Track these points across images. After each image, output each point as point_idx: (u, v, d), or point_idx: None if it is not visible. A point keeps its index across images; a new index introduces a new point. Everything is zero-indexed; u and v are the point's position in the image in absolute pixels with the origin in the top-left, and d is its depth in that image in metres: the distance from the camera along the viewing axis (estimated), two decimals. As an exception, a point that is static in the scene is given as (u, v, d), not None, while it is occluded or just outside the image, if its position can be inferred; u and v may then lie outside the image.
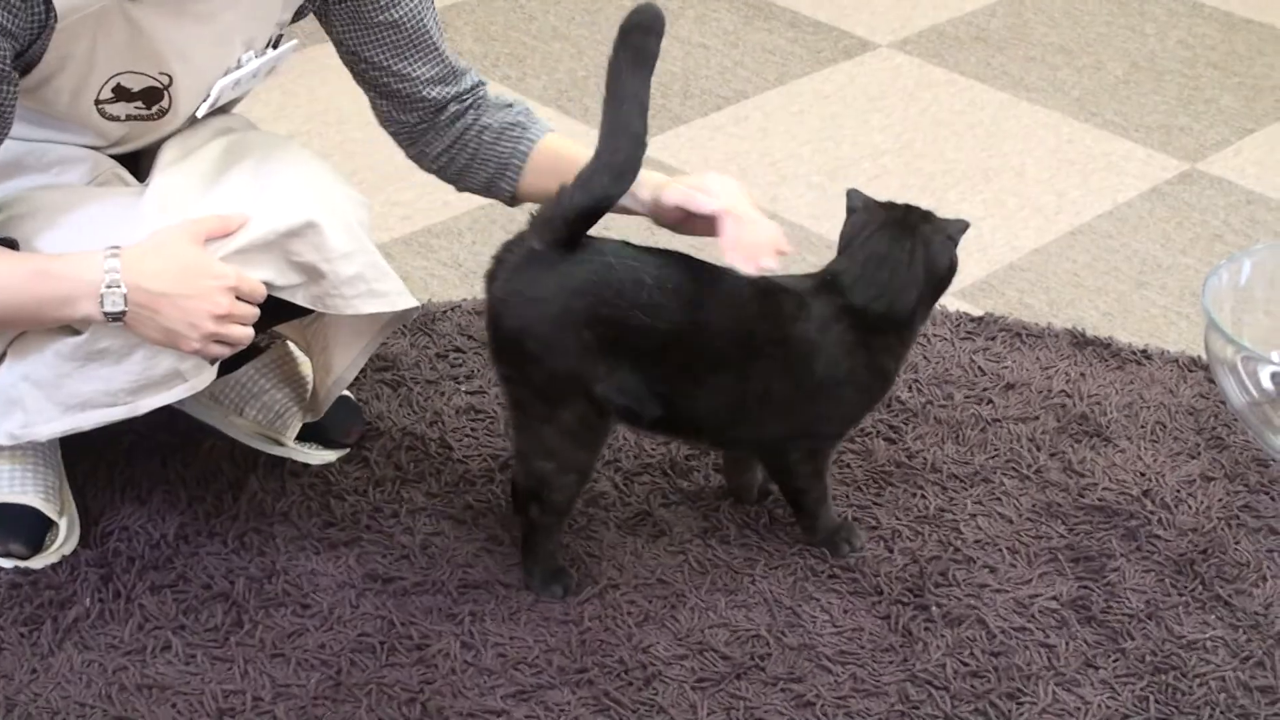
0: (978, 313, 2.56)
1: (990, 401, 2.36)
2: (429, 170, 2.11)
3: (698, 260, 1.92)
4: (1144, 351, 2.49)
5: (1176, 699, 1.89)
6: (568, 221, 1.85)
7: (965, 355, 2.45)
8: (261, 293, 1.85)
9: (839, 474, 2.19)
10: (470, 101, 2.06)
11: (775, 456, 2.03)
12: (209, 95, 1.93)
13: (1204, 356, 2.30)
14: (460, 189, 2.12)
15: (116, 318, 1.80)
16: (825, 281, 1.95)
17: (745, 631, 1.96)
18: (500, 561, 2.04)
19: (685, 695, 1.88)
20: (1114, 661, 1.93)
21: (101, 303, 1.78)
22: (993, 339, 2.50)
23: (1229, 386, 2.23)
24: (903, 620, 1.99)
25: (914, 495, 2.18)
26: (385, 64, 2.01)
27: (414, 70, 2.01)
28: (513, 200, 2.09)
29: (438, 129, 2.06)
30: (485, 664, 1.90)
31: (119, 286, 1.78)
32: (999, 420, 2.32)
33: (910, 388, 2.37)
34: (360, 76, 2.05)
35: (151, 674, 1.87)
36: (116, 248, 1.80)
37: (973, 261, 2.71)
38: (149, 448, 2.16)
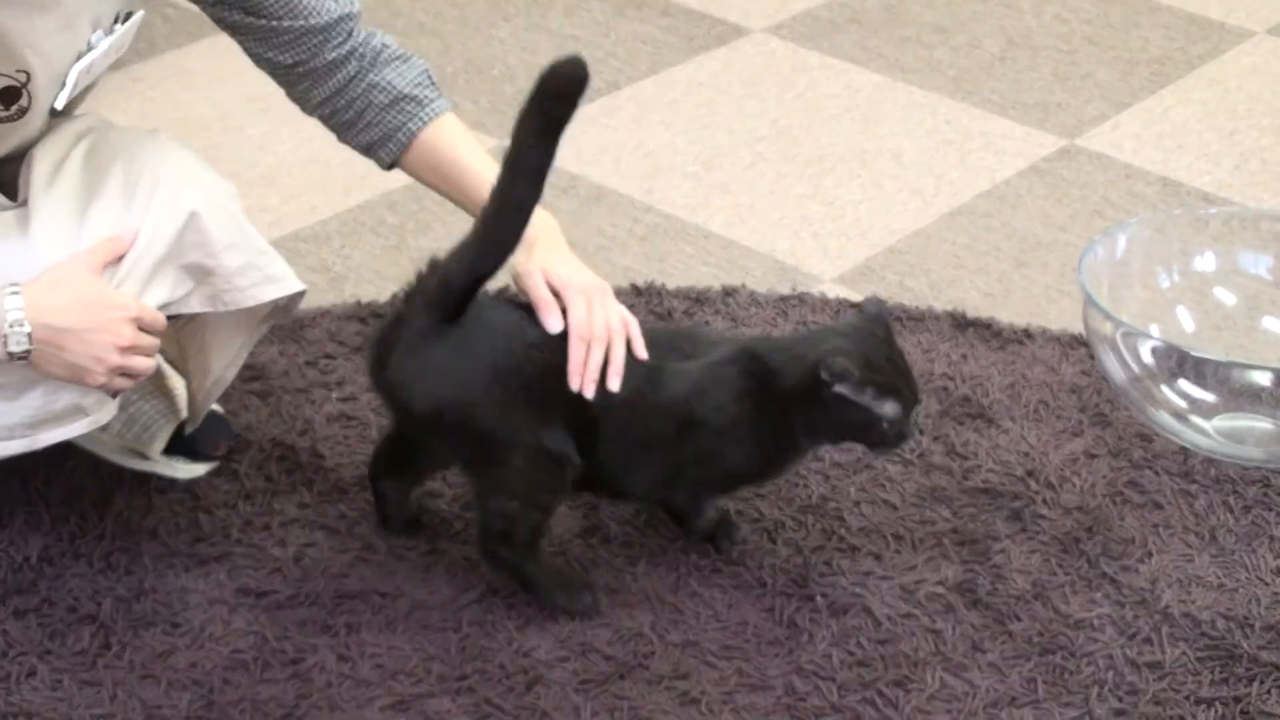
0: (857, 298, 2.57)
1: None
2: (312, 115, 2.07)
3: None
4: (1026, 331, 2.51)
5: (1064, 679, 1.91)
6: (452, 296, 1.87)
7: (846, 341, 2.46)
8: (162, 323, 1.86)
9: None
10: (351, 49, 2.01)
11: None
12: (65, 84, 1.90)
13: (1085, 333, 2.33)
14: (341, 140, 2.07)
15: (21, 357, 1.78)
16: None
17: (628, 630, 1.96)
18: (376, 570, 2.03)
19: (568, 698, 1.87)
20: (1001, 644, 1.95)
21: (5, 343, 1.77)
22: (873, 324, 2.51)
23: (1109, 362, 2.26)
24: (788, 612, 1.99)
25: (796, 485, 2.18)
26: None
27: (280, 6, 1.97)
28: (390, 167, 2.07)
29: (315, 76, 2.02)
30: (362, 675, 1.89)
31: (23, 325, 1.77)
32: (881, 405, 2.33)
33: (791, 376, 2.38)
34: (221, 23, 2.01)
35: (17, 702, 1.85)
36: (16, 285, 1.78)
37: (851, 246, 2.73)
38: (9, 467, 2.12)
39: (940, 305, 2.57)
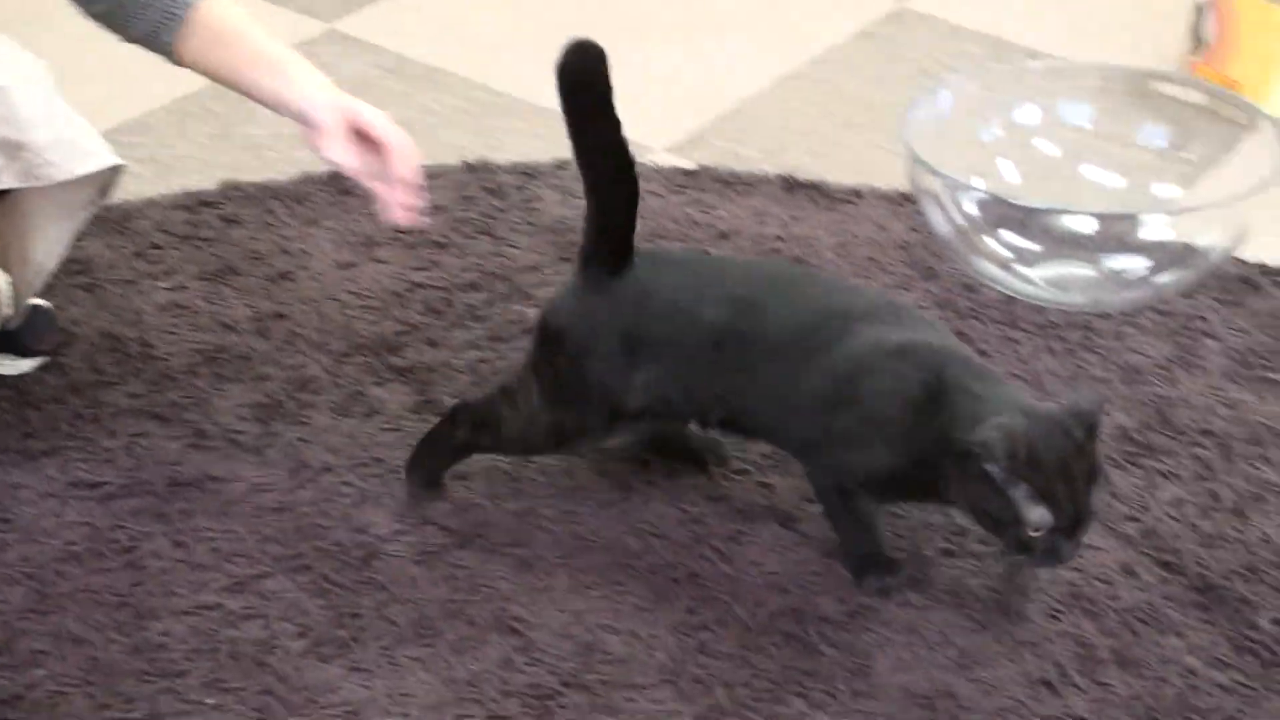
0: (690, 166, 2.59)
1: (706, 251, 2.39)
2: (93, 19, 1.97)
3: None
4: (855, 191, 2.53)
5: (891, 523, 1.94)
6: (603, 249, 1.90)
7: (679, 208, 2.48)
8: None
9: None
10: None
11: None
12: None
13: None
14: (124, 39, 1.97)
15: None
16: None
17: (465, 502, 1.98)
18: (209, 456, 2.03)
19: (406, 570, 1.89)
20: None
21: None
22: (705, 190, 2.53)
23: (935, 216, 2.28)
24: (623, 475, 2.01)
25: (630, 351, 2.19)
26: None
27: None
28: (176, 60, 1.96)
29: None
30: (198, 560, 1.89)
31: None
32: (713, 270, 2.35)
33: (622, 245, 2.39)
34: None
35: None
36: None
37: (682, 115, 2.73)
38: None
39: (771, 169, 2.59)
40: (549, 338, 1.90)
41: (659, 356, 1.85)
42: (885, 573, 1.86)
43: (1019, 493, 1.64)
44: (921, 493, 1.83)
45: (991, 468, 1.63)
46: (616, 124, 1.80)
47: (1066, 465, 1.64)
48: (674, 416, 1.92)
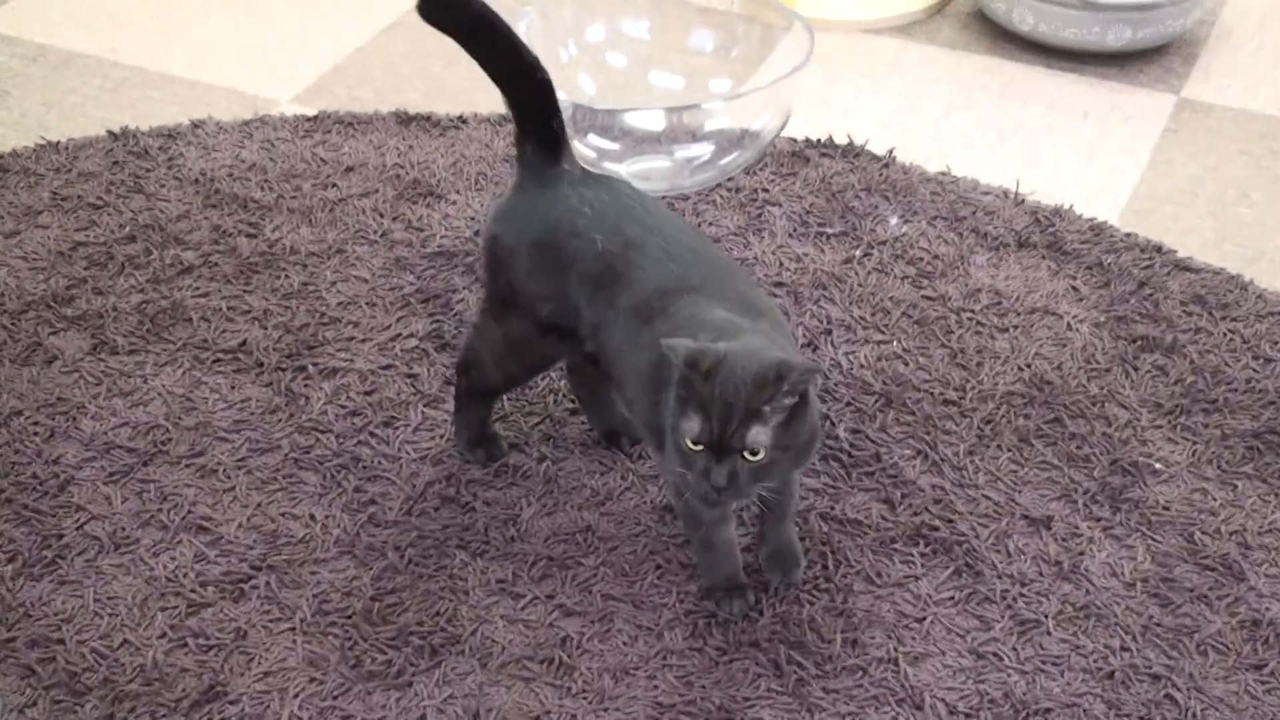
0: (312, 112, 2.56)
1: (335, 185, 2.38)
2: None
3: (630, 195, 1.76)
4: (461, 118, 2.54)
5: (527, 393, 1.97)
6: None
7: (307, 150, 2.46)
8: None
9: (208, 273, 2.18)
10: None
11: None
12: None
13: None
14: None
15: None
16: None
17: (145, 425, 1.94)
18: (-97, 416, 1.95)
19: (99, 490, 1.85)
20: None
21: None
22: (329, 132, 2.51)
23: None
24: (285, 383, 2.01)
25: (280, 277, 2.18)
26: None
27: None
28: None
29: None
30: (-95, 508, 1.82)
31: None
32: (344, 200, 2.34)
33: (261, 187, 2.36)
34: None
35: None
36: None
37: (302, 68, 2.70)
38: None
39: (385, 108, 2.58)
40: (484, 244, 1.78)
41: (560, 271, 1.71)
42: (737, 597, 1.71)
43: (680, 396, 1.51)
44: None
45: (680, 369, 1.50)
46: (496, 31, 1.71)
47: (736, 395, 1.48)
48: (572, 336, 1.74)
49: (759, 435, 1.49)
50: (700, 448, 1.51)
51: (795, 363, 1.50)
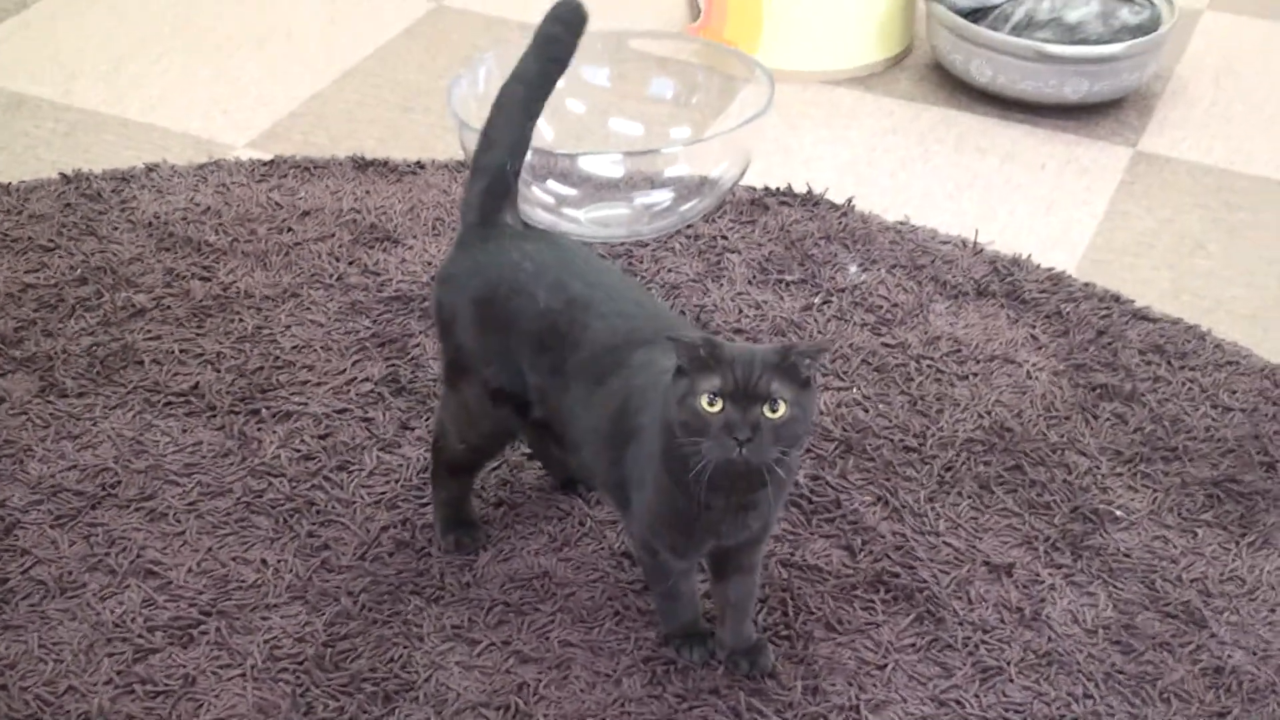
0: (268, 157, 2.54)
1: (290, 229, 2.35)
2: None
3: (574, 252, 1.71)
4: (418, 163, 2.53)
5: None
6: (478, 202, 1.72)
7: (263, 194, 2.44)
8: None
9: (160, 316, 2.15)
10: None
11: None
12: None
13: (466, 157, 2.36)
14: None
15: None
16: None
17: (94, 467, 1.91)
18: None
19: (46, 534, 1.82)
20: (425, 419, 1.98)
21: None
22: (285, 176, 2.49)
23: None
24: (237, 427, 1.98)
25: (233, 321, 2.16)
26: None
27: None
28: None
29: None
30: None
31: None
32: (300, 244, 2.32)
33: (216, 231, 2.34)
34: None
35: None
36: None
37: (258, 116, 2.69)
38: None
39: (342, 153, 2.56)
40: (432, 308, 1.73)
41: (501, 331, 1.65)
42: (697, 645, 1.67)
43: (695, 366, 1.45)
44: (708, 528, 1.56)
45: (681, 358, 1.46)
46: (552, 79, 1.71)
47: (745, 356, 1.44)
48: (521, 402, 1.69)
49: (781, 389, 1.45)
50: (719, 408, 1.44)
51: (798, 343, 1.47)
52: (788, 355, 1.46)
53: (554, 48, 1.72)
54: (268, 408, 2.00)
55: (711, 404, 1.45)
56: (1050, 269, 2.29)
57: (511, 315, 1.66)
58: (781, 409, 1.45)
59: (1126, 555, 1.82)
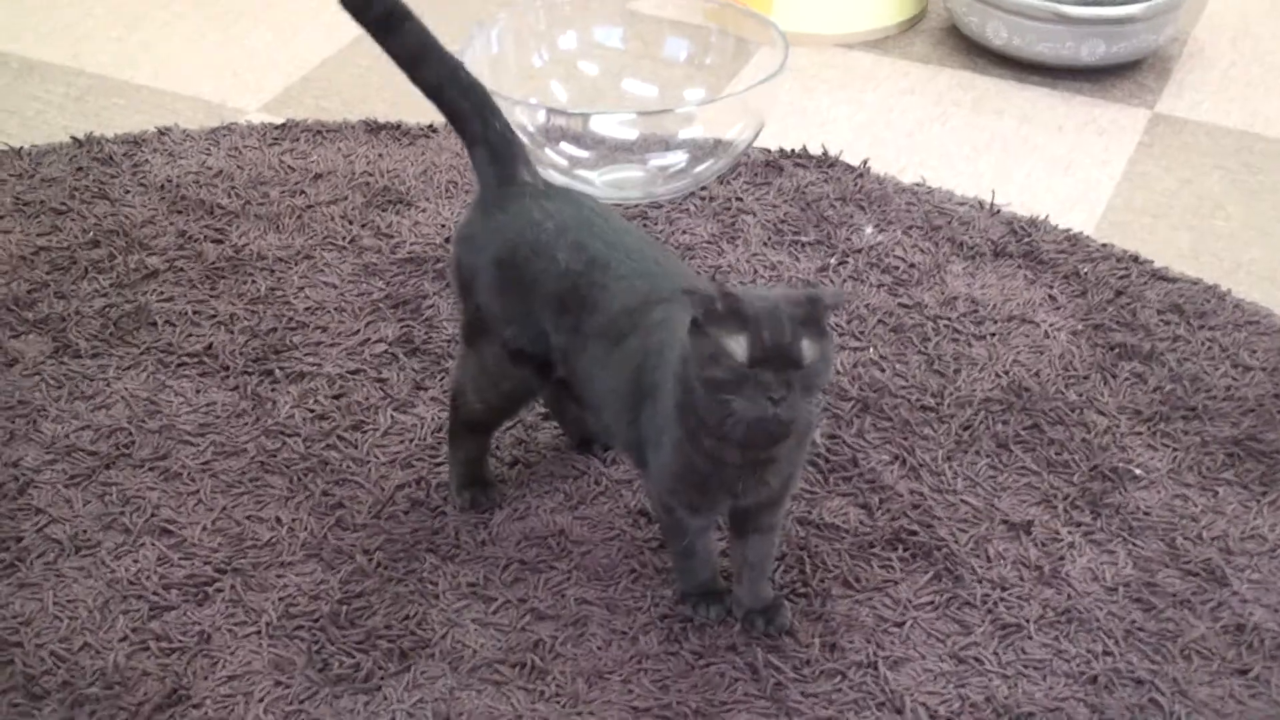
0: (280, 121, 2.53)
1: (303, 192, 2.35)
2: None
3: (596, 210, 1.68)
4: (431, 127, 2.51)
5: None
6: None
7: (275, 157, 2.43)
8: None
9: (173, 278, 2.15)
10: None
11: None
12: None
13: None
14: None
15: None
16: None
17: (108, 428, 1.91)
18: None
19: (60, 493, 1.81)
20: (440, 380, 1.97)
21: None
22: (297, 140, 2.48)
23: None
24: (251, 387, 1.97)
25: (246, 282, 2.15)
26: None
27: None
28: None
29: None
30: None
31: None
32: (312, 206, 2.31)
33: (228, 194, 2.33)
34: None
35: None
36: None
37: (269, 79, 2.68)
38: None
39: (353, 116, 2.55)
40: (451, 267, 1.72)
41: (522, 291, 1.64)
42: (714, 602, 1.66)
43: (721, 328, 1.42)
44: (725, 486, 1.55)
45: (700, 316, 1.43)
46: (416, 36, 1.68)
47: (772, 313, 1.42)
48: (542, 362, 1.68)
49: (809, 347, 1.42)
50: (747, 371, 1.41)
51: (819, 292, 1.44)
52: (814, 309, 1.44)
53: (376, 20, 1.69)
54: (281, 368, 1.99)
55: (737, 368, 1.42)
56: (1068, 230, 2.28)
57: (533, 276, 1.64)
58: (809, 363, 1.44)
59: (1146, 513, 1.81)
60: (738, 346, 1.42)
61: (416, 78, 1.70)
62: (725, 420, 1.44)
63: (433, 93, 1.70)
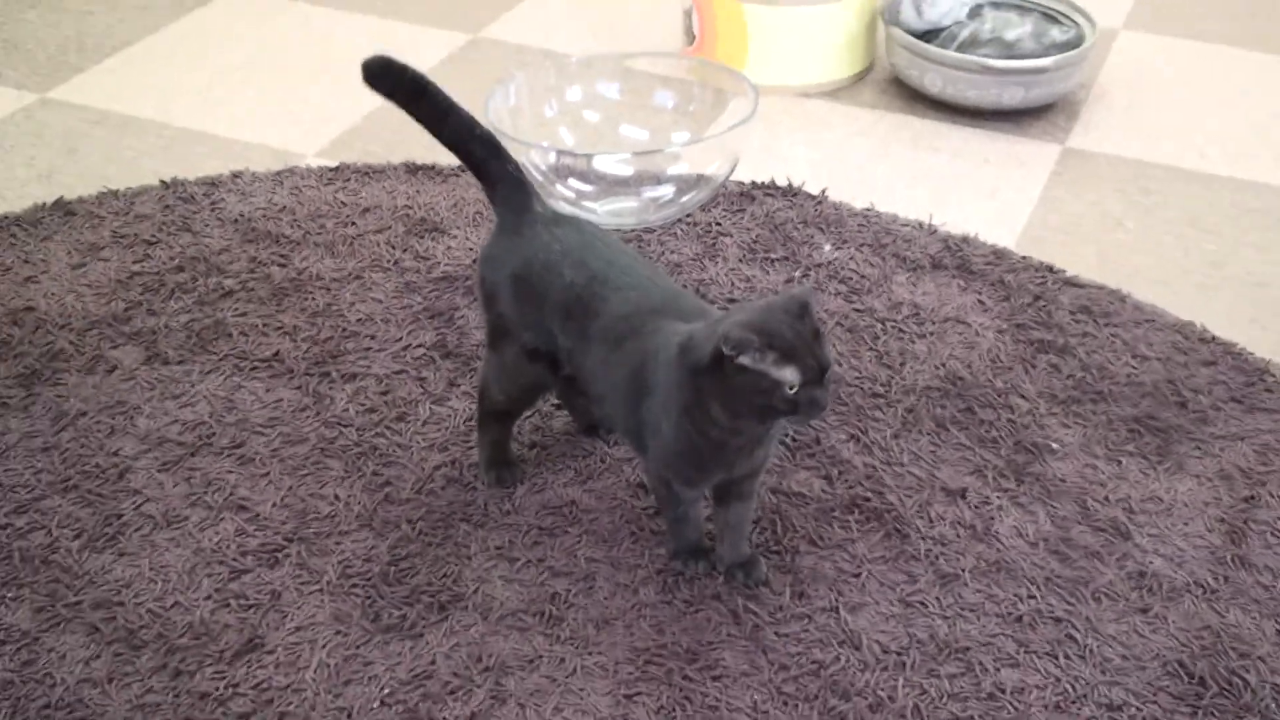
0: (334, 164, 2.53)
1: (354, 223, 2.35)
2: None
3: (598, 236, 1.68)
4: (461, 168, 2.49)
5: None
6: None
7: (330, 194, 2.43)
8: None
9: (245, 296, 2.15)
10: None
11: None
12: None
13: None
14: None
15: None
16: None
17: (193, 422, 1.91)
18: (-16, 417, 1.90)
19: (154, 477, 1.81)
20: (470, 378, 1.98)
21: None
22: (349, 180, 2.48)
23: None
24: (312, 386, 1.97)
25: (307, 299, 2.15)
26: None
27: None
28: None
29: None
30: (-16, 494, 1.78)
31: None
32: (362, 235, 2.32)
33: (291, 225, 2.33)
34: None
35: None
36: None
37: (324, 129, 2.68)
38: None
39: (396, 159, 2.55)
40: (477, 283, 1.72)
41: (535, 301, 1.64)
42: (701, 559, 1.67)
43: (768, 362, 1.42)
44: (723, 465, 1.57)
45: (744, 358, 1.42)
46: (431, 95, 1.68)
47: (795, 332, 1.43)
48: (552, 360, 1.67)
49: (828, 345, 1.47)
50: (796, 389, 1.43)
51: (797, 293, 1.45)
52: (807, 310, 1.46)
53: (400, 92, 1.69)
54: (337, 370, 2.00)
55: (793, 389, 1.44)
56: (994, 245, 2.28)
57: (544, 288, 1.65)
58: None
59: (1062, 480, 1.81)
60: (791, 375, 1.43)
61: (440, 135, 1.71)
62: (760, 430, 1.51)
63: (454, 147, 1.72)
